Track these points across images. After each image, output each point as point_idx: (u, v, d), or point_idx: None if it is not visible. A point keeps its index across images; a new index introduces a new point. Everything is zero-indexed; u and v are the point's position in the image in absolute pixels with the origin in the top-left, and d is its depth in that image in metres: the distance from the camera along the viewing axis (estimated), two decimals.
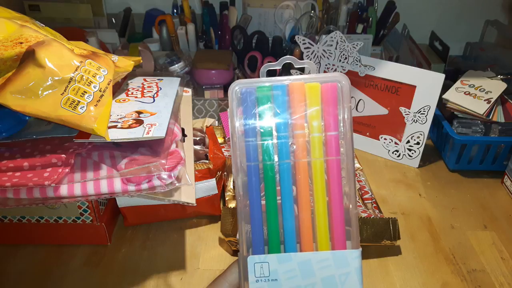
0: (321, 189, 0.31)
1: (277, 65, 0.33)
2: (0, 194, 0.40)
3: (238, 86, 0.31)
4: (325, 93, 0.31)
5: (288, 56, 0.33)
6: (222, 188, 0.56)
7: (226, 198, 0.55)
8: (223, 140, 0.65)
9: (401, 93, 0.63)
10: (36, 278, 0.46)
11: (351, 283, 0.30)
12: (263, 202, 0.31)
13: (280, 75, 0.73)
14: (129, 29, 0.86)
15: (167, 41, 0.81)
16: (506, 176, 0.61)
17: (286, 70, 0.73)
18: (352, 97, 0.68)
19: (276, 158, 0.31)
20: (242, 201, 0.31)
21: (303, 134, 0.31)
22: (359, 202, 0.54)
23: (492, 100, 0.62)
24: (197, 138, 0.60)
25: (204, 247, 0.51)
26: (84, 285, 0.45)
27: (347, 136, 0.31)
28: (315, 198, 0.31)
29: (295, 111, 0.31)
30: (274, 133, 0.31)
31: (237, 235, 0.32)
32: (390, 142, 0.66)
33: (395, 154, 0.67)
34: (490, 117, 0.62)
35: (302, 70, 0.69)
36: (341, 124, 0.31)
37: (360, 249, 0.31)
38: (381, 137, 0.67)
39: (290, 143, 0.31)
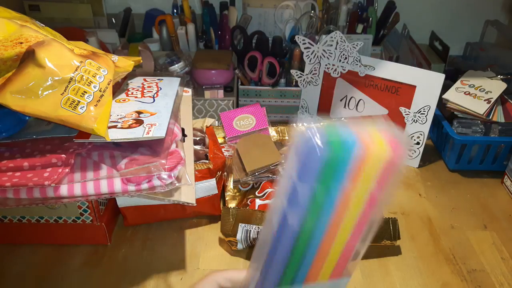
0: (350, 225, 0.27)
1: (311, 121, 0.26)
2: (1, 194, 0.40)
3: (307, 136, 0.23)
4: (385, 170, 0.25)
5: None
6: (222, 188, 0.56)
7: (226, 198, 0.55)
8: (223, 140, 0.66)
9: (401, 93, 0.63)
10: (36, 278, 0.46)
11: None
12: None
13: (280, 73, 0.73)
14: (129, 29, 0.86)
15: (167, 41, 0.81)
16: (506, 176, 0.61)
17: (287, 70, 0.74)
18: (352, 97, 0.68)
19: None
20: (267, 241, 0.27)
21: (352, 191, 0.25)
22: None
23: (492, 100, 0.62)
24: (197, 138, 0.60)
25: (204, 247, 0.51)
26: (84, 285, 0.45)
27: (383, 200, 0.26)
28: (341, 231, 0.27)
29: (356, 166, 0.24)
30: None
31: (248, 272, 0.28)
32: None
33: None
34: (490, 117, 0.62)
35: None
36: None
37: (350, 278, 0.30)
38: None
39: (338, 197, 0.25)
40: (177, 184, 0.42)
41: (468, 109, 0.62)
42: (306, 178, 0.25)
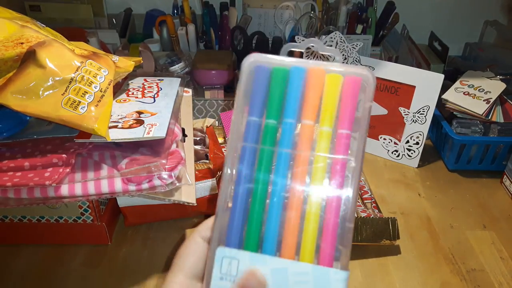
0: (318, 189, 0.27)
1: (300, 47, 0.30)
2: (1, 194, 0.40)
3: (252, 61, 0.28)
4: (346, 87, 0.27)
5: (313, 38, 0.30)
6: None
7: None
8: (223, 140, 0.66)
9: (401, 93, 0.63)
10: (37, 278, 0.46)
11: None
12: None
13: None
14: (130, 29, 0.86)
15: (168, 41, 0.81)
16: (505, 176, 0.61)
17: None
18: None
19: (276, 145, 0.27)
20: (228, 182, 0.27)
21: (311, 125, 0.27)
22: (358, 202, 0.54)
23: (491, 100, 0.62)
24: (198, 138, 0.60)
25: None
26: (84, 285, 0.46)
27: (360, 138, 0.27)
28: (309, 199, 0.27)
29: (308, 99, 0.28)
30: (280, 119, 0.28)
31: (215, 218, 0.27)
32: (389, 142, 0.67)
33: (395, 154, 0.67)
34: (489, 117, 0.62)
35: None
36: (357, 124, 0.27)
37: (348, 272, 0.25)
38: (381, 137, 0.67)
39: (294, 132, 0.28)
40: (177, 184, 0.42)
41: (467, 109, 0.62)
42: (256, 110, 0.28)
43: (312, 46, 0.29)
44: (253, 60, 0.28)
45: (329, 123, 0.27)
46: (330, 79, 0.28)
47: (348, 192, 0.26)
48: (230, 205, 0.27)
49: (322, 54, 0.29)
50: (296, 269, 0.25)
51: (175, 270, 0.27)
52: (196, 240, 0.28)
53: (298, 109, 0.28)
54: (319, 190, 0.27)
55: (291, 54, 0.74)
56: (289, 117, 0.28)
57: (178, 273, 0.27)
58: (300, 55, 0.70)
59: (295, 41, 0.68)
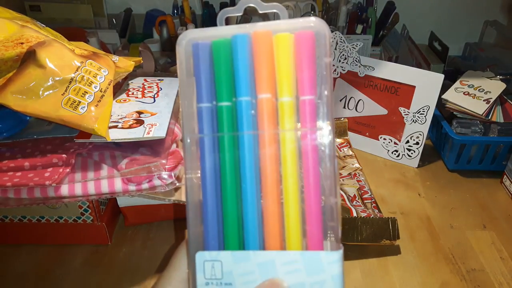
0: (292, 170, 0.24)
1: (236, 11, 0.26)
2: (1, 194, 0.40)
3: (187, 39, 0.24)
4: (298, 45, 0.24)
5: None
6: None
7: None
8: None
9: (401, 93, 0.63)
10: (37, 278, 0.46)
11: None
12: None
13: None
14: (130, 29, 0.86)
15: (168, 41, 0.81)
16: (505, 176, 0.61)
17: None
18: (351, 97, 0.68)
19: (235, 130, 0.24)
20: (193, 185, 0.25)
21: (269, 98, 0.24)
22: (358, 202, 0.54)
23: (491, 100, 0.62)
24: None
25: None
26: (84, 285, 0.46)
27: (327, 101, 0.24)
28: (284, 182, 0.24)
29: (259, 69, 0.24)
30: (233, 98, 0.24)
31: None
32: (389, 142, 0.67)
33: (395, 154, 0.67)
34: (489, 117, 0.62)
35: None
36: (319, 85, 0.24)
37: (341, 250, 0.23)
38: (381, 137, 0.67)
39: (252, 110, 0.24)
40: (177, 184, 0.42)
41: (467, 109, 0.62)
42: (204, 95, 0.24)
43: (250, 6, 0.26)
44: (188, 38, 0.24)
45: (288, 91, 0.24)
46: (279, 40, 0.24)
47: (327, 168, 0.24)
48: (201, 209, 0.25)
49: (264, 14, 0.24)
50: (284, 259, 0.23)
51: (162, 282, 0.26)
52: (185, 251, 0.26)
53: (250, 83, 0.24)
54: (293, 169, 0.24)
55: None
56: (243, 95, 0.24)
57: (166, 286, 0.26)
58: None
59: None
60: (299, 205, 0.24)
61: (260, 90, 0.24)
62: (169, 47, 0.81)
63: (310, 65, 0.24)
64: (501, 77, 0.67)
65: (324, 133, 0.24)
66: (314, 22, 0.24)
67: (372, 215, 0.51)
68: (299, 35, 0.24)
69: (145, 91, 0.50)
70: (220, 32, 0.24)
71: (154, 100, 0.48)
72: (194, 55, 0.25)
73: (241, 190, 0.24)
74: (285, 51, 0.24)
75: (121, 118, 0.43)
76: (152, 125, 0.41)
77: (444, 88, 0.62)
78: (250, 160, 0.24)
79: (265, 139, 0.24)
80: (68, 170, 0.40)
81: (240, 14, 0.26)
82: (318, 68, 0.24)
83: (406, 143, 0.65)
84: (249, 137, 0.24)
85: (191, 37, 0.24)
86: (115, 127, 0.41)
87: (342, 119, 0.69)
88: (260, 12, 0.26)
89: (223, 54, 0.24)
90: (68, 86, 0.38)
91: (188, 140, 0.25)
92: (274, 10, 0.25)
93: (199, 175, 0.25)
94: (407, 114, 0.63)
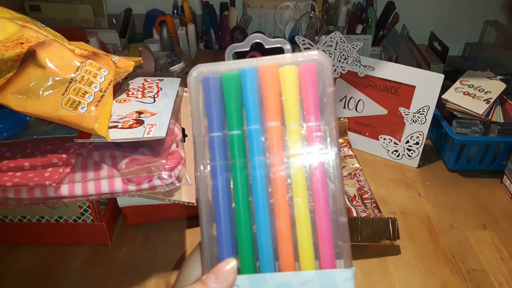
0: (302, 193, 0.25)
1: (244, 46, 0.28)
2: (1, 194, 0.40)
3: (197, 72, 0.26)
4: (303, 77, 0.26)
5: (257, 34, 0.28)
6: None
7: None
8: None
9: (401, 93, 0.63)
10: (37, 278, 0.46)
11: None
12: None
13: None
14: (130, 29, 0.86)
15: (168, 41, 0.81)
16: (505, 176, 0.61)
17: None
18: (351, 97, 0.68)
19: (246, 156, 0.26)
20: (206, 211, 0.26)
21: (278, 126, 0.26)
22: (358, 202, 0.54)
23: (491, 100, 0.62)
24: None
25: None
26: (84, 285, 0.46)
27: (332, 126, 0.25)
28: (295, 204, 0.25)
29: (267, 99, 0.26)
30: (244, 127, 0.26)
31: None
32: (389, 142, 0.67)
33: (395, 154, 0.67)
34: (489, 117, 0.62)
35: None
36: (324, 113, 0.26)
37: (353, 268, 0.25)
38: (381, 137, 0.67)
39: (262, 138, 0.26)
40: (177, 184, 0.42)
41: (467, 109, 0.62)
42: (216, 124, 0.26)
43: (257, 42, 0.28)
44: (198, 72, 0.26)
45: (296, 119, 0.26)
46: (284, 72, 0.26)
47: (335, 189, 0.25)
48: (215, 233, 0.26)
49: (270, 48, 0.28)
50: (299, 279, 0.24)
51: (180, 281, 0.27)
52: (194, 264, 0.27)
53: (259, 113, 0.26)
54: (303, 191, 0.25)
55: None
56: (253, 123, 0.26)
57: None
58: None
59: (295, 41, 0.68)
60: (310, 226, 0.25)
61: (269, 119, 0.26)
62: (169, 47, 0.81)
63: (314, 94, 0.26)
64: (501, 77, 0.67)
65: (330, 156, 0.25)
66: (316, 55, 0.26)
67: (372, 215, 0.51)
68: (303, 67, 0.26)
69: (145, 91, 0.50)
70: (228, 66, 0.26)
71: (154, 100, 0.48)
72: (205, 88, 0.26)
73: (255, 214, 0.25)
74: (291, 82, 0.26)
75: (121, 118, 0.43)
76: (152, 125, 0.41)
77: (444, 88, 0.62)
78: (262, 185, 0.26)
79: (276, 164, 0.26)
80: (68, 170, 0.39)
81: (247, 49, 0.28)
82: (321, 96, 0.26)
83: (406, 143, 0.65)
84: (260, 163, 0.26)
85: (201, 71, 0.26)
86: (115, 127, 0.41)
87: (342, 119, 0.69)
88: (266, 47, 0.28)
89: (232, 86, 0.26)
90: (68, 86, 0.38)
91: (201, 167, 0.26)
92: (279, 45, 0.27)
93: (212, 197, 0.26)
94: (407, 114, 0.63)
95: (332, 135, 0.25)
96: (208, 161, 0.26)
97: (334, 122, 0.25)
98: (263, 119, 0.26)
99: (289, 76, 0.26)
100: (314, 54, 0.26)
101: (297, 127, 0.26)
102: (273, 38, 0.28)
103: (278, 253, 0.25)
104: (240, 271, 0.25)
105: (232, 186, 0.26)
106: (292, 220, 0.25)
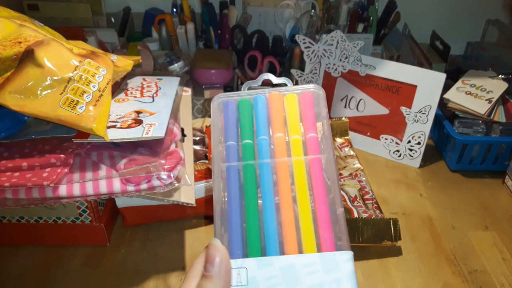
0: (303, 188, 0.30)
1: (256, 83, 0.36)
2: None
3: (220, 99, 0.35)
4: (302, 100, 0.34)
5: (267, 73, 0.36)
6: None
7: None
8: None
9: (402, 93, 0.62)
10: (35, 279, 0.46)
11: None
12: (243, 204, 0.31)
13: (280, 73, 0.72)
14: (128, 28, 0.86)
15: (167, 40, 0.81)
16: (507, 176, 0.61)
17: (287, 70, 0.73)
18: (352, 97, 0.68)
19: (255, 159, 0.32)
20: (219, 203, 0.30)
21: (282, 136, 0.33)
22: (360, 202, 0.54)
23: (493, 100, 0.61)
24: (197, 138, 0.60)
25: (203, 247, 0.50)
26: (83, 286, 0.45)
27: (326, 138, 0.32)
28: (297, 198, 0.30)
29: (274, 117, 0.34)
30: (253, 138, 0.33)
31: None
32: (391, 142, 0.66)
33: (396, 154, 0.66)
34: (491, 117, 0.61)
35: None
36: (320, 127, 0.33)
37: (352, 252, 0.27)
38: (382, 137, 0.67)
39: (269, 144, 0.33)
40: (176, 185, 0.42)
41: (469, 109, 0.61)
42: (231, 136, 0.33)
43: (266, 79, 0.36)
44: (221, 99, 0.35)
45: (297, 132, 0.33)
46: (288, 98, 0.35)
47: (332, 187, 0.30)
48: (226, 222, 0.29)
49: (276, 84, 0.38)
50: (303, 261, 0.26)
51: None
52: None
53: (268, 127, 0.34)
54: (304, 187, 0.30)
55: (292, 53, 0.74)
56: (262, 135, 0.33)
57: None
58: (301, 54, 0.70)
59: (295, 40, 0.67)
60: (311, 215, 0.29)
61: (275, 131, 0.33)
62: (168, 46, 0.81)
63: (311, 113, 0.34)
64: (503, 76, 0.66)
65: (327, 157, 0.32)
66: (312, 87, 0.35)
67: (374, 216, 0.50)
68: (302, 95, 0.35)
69: (144, 90, 0.50)
70: (243, 94, 0.35)
71: (153, 100, 0.47)
72: (224, 109, 0.35)
73: (262, 206, 0.30)
74: (293, 105, 0.34)
75: (119, 118, 0.42)
76: (151, 125, 0.41)
77: (446, 87, 0.62)
78: (269, 182, 0.31)
79: (281, 164, 0.32)
80: (66, 170, 0.39)
81: (259, 85, 0.37)
82: (317, 116, 0.34)
83: (407, 143, 0.64)
84: (267, 163, 0.32)
85: (222, 98, 0.35)
86: (114, 127, 0.40)
87: (343, 118, 0.68)
88: (274, 83, 0.37)
89: (246, 108, 0.35)
90: (66, 86, 0.38)
91: (217, 168, 0.32)
92: (284, 82, 0.37)
93: (226, 196, 0.31)
94: (408, 114, 0.63)
95: (328, 142, 0.32)
96: (224, 162, 0.32)
97: (329, 133, 0.32)
98: (271, 132, 0.33)
99: (291, 101, 0.35)
100: (310, 86, 0.35)
101: (298, 137, 0.33)
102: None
103: (283, 239, 0.28)
104: (248, 255, 0.28)
105: (242, 181, 0.31)
106: (295, 211, 0.29)
